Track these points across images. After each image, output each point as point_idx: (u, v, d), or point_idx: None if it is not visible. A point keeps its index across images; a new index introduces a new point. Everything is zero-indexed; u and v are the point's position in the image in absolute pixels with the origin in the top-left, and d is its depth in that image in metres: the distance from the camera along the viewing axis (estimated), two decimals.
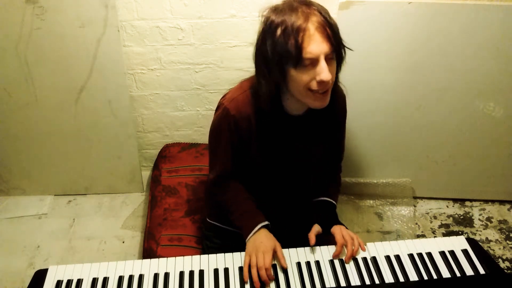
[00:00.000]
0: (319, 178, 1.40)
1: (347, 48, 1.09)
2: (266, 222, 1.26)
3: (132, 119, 2.01)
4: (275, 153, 1.26)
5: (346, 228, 1.29)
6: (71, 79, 1.85)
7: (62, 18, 1.69)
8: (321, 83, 1.03)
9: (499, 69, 1.80)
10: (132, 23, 1.81)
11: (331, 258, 1.20)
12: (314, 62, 1.02)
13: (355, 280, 1.14)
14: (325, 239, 1.26)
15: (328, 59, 1.03)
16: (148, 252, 1.61)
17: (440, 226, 2.09)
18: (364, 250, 1.23)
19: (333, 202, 1.36)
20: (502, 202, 2.21)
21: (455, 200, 2.22)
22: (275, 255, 1.19)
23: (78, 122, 1.97)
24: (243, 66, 1.95)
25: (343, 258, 1.21)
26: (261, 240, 1.20)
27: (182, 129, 2.18)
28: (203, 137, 2.17)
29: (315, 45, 1.00)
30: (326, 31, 1.01)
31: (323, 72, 1.01)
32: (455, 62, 1.79)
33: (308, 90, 1.06)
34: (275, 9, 1.06)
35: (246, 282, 1.14)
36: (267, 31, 1.05)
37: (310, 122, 1.24)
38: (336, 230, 1.26)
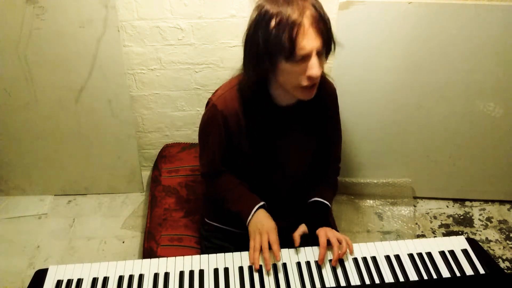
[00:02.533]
0: (313, 177, 1.39)
1: (337, 43, 1.09)
2: (262, 203, 1.28)
3: (132, 119, 2.01)
4: (267, 146, 1.27)
5: (337, 230, 1.28)
6: (71, 79, 1.85)
7: (62, 18, 1.69)
8: (310, 78, 1.05)
9: (499, 69, 1.80)
10: (132, 23, 1.81)
11: (331, 258, 1.20)
12: (306, 57, 1.03)
13: (355, 280, 1.14)
14: (315, 239, 1.24)
15: (319, 54, 1.05)
16: (148, 252, 1.61)
17: (440, 226, 2.09)
18: (352, 253, 1.20)
19: (326, 202, 1.34)
20: (502, 202, 2.21)
21: (455, 200, 2.22)
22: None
23: (78, 122, 1.97)
24: None
25: (330, 260, 1.19)
26: (262, 222, 1.23)
27: (182, 129, 2.18)
28: None
29: (309, 41, 1.01)
30: (319, 26, 1.02)
31: (314, 68, 1.03)
32: (455, 62, 1.79)
33: (297, 85, 1.08)
34: None
35: (253, 265, 1.17)
36: (260, 21, 1.04)
37: (300, 113, 1.25)
38: (321, 232, 1.23)
